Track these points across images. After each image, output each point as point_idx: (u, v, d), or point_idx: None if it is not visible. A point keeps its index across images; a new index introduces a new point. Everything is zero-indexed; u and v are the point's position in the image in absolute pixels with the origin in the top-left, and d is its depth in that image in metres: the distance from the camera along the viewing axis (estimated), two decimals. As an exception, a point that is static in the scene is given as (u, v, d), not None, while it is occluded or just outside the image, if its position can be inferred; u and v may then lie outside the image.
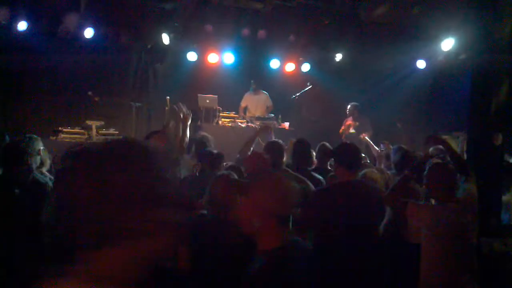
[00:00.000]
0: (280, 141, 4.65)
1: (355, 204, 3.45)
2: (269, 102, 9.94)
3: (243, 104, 9.91)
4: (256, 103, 9.88)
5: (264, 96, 9.96)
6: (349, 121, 9.20)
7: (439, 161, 3.89)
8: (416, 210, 3.44)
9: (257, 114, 9.66)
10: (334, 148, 4.16)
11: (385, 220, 3.85)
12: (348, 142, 3.85)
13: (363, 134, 8.37)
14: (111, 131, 8.52)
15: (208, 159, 4.72)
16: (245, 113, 9.83)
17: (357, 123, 9.01)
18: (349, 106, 9.22)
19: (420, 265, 3.37)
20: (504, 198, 5.10)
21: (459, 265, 3.31)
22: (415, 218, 3.43)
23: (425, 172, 3.54)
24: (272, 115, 9.66)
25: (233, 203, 2.47)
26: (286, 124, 9.56)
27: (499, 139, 4.88)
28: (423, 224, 3.39)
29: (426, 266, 3.35)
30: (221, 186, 3.11)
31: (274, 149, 4.36)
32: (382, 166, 6.49)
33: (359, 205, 3.46)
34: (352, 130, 8.98)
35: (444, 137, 8.78)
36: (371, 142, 7.57)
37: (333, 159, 3.89)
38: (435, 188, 3.48)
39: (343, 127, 9.20)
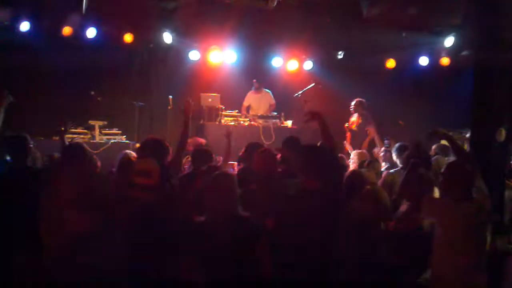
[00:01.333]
0: None
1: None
2: (272, 100, 9.94)
3: (245, 103, 9.90)
4: (258, 101, 9.87)
5: (266, 94, 9.95)
6: (354, 117, 9.12)
7: (454, 159, 3.89)
8: (431, 205, 3.43)
9: (260, 112, 9.65)
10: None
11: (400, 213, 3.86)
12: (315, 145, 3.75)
13: (368, 128, 8.30)
14: (114, 130, 8.54)
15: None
16: (248, 112, 9.81)
17: (361, 120, 8.92)
18: (353, 102, 9.09)
19: (432, 259, 3.38)
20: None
21: (470, 263, 3.31)
22: (429, 212, 3.43)
23: (442, 170, 3.53)
24: (275, 113, 9.65)
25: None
26: (289, 122, 9.55)
27: (502, 136, 4.86)
28: (437, 219, 3.38)
29: (438, 261, 3.35)
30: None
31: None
32: (383, 163, 6.49)
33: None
34: (355, 128, 8.92)
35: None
36: (378, 137, 7.51)
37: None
38: (452, 187, 3.44)
39: (348, 123, 9.11)
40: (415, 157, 3.76)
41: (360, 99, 9.02)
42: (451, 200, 3.41)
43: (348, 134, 8.74)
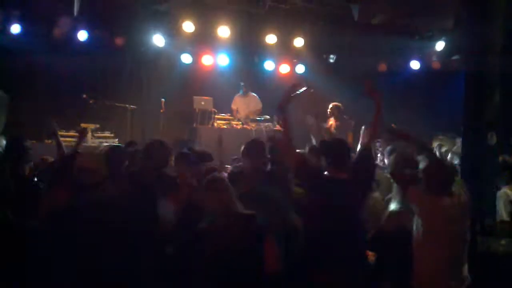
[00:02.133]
0: None
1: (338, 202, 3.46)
2: (259, 105, 9.86)
3: (233, 106, 9.88)
4: (245, 105, 9.82)
5: (253, 98, 9.92)
6: (330, 121, 9.24)
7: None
8: (417, 196, 3.46)
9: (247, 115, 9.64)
10: (320, 146, 4.21)
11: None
12: (333, 139, 3.82)
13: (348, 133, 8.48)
14: (106, 134, 8.51)
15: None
16: (236, 115, 9.81)
17: (338, 123, 9.09)
18: (330, 106, 9.25)
19: (414, 253, 3.42)
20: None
21: (450, 258, 3.36)
22: (415, 203, 3.47)
23: (422, 167, 3.58)
24: (268, 116, 9.66)
25: None
26: (281, 126, 9.57)
27: (493, 139, 4.92)
28: (419, 212, 3.42)
29: (420, 254, 3.39)
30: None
31: None
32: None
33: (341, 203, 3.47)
34: (333, 131, 9.04)
35: (440, 137, 8.91)
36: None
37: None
38: (431, 183, 3.51)
39: (327, 126, 9.22)
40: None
41: (336, 103, 9.18)
42: (432, 194, 3.48)
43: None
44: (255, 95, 9.95)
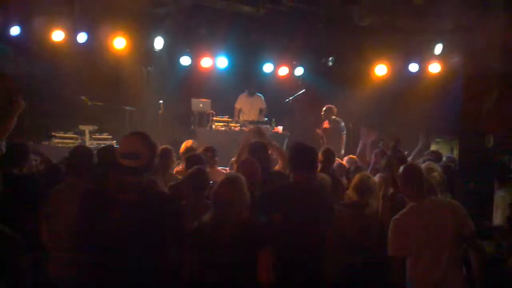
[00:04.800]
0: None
1: (303, 203, 3.52)
2: (263, 105, 9.96)
3: (237, 105, 9.89)
4: (250, 106, 9.88)
5: (259, 98, 9.97)
6: (325, 124, 9.28)
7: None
8: (401, 224, 3.44)
9: (251, 117, 9.65)
10: (289, 149, 4.25)
11: None
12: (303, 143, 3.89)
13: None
14: (104, 135, 8.50)
15: None
16: (239, 115, 9.82)
17: (331, 126, 9.13)
18: (324, 109, 9.29)
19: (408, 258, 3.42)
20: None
21: (442, 258, 3.34)
22: (402, 233, 3.44)
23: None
24: (266, 119, 9.68)
25: None
26: (280, 128, 9.58)
27: (490, 142, 4.92)
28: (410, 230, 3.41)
29: (415, 260, 3.38)
30: None
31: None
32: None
33: (307, 205, 3.52)
34: (326, 133, 9.10)
35: (437, 140, 8.91)
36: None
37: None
38: (406, 188, 3.54)
39: (319, 130, 9.26)
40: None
41: (329, 105, 9.22)
42: (410, 201, 3.49)
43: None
44: (260, 95, 9.98)
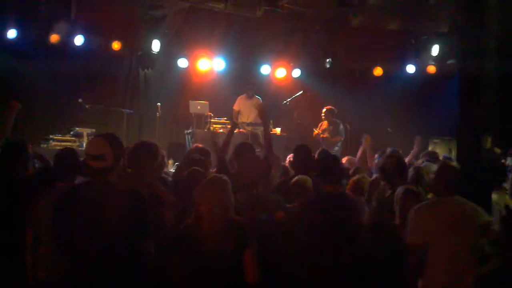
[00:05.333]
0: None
1: (336, 217, 3.45)
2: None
3: (236, 107, 9.85)
4: (249, 108, 9.83)
5: (257, 101, 9.95)
6: (324, 125, 9.26)
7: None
8: (417, 215, 3.46)
9: (250, 119, 9.63)
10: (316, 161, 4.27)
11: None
12: (326, 152, 3.89)
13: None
14: (102, 138, 8.48)
15: None
16: (237, 117, 9.80)
17: (331, 127, 9.13)
18: (324, 110, 9.28)
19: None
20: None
21: (460, 260, 3.35)
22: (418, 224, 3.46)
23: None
24: (264, 121, 9.63)
25: None
26: (278, 130, 9.58)
27: (488, 142, 4.93)
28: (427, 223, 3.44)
29: (430, 268, 3.39)
30: None
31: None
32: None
33: (340, 218, 3.45)
34: (326, 135, 9.08)
35: (435, 141, 8.92)
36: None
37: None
38: (440, 186, 3.58)
39: (317, 130, 9.24)
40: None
41: (330, 107, 9.20)
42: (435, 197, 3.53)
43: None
44: (259, 98, 9.96)
